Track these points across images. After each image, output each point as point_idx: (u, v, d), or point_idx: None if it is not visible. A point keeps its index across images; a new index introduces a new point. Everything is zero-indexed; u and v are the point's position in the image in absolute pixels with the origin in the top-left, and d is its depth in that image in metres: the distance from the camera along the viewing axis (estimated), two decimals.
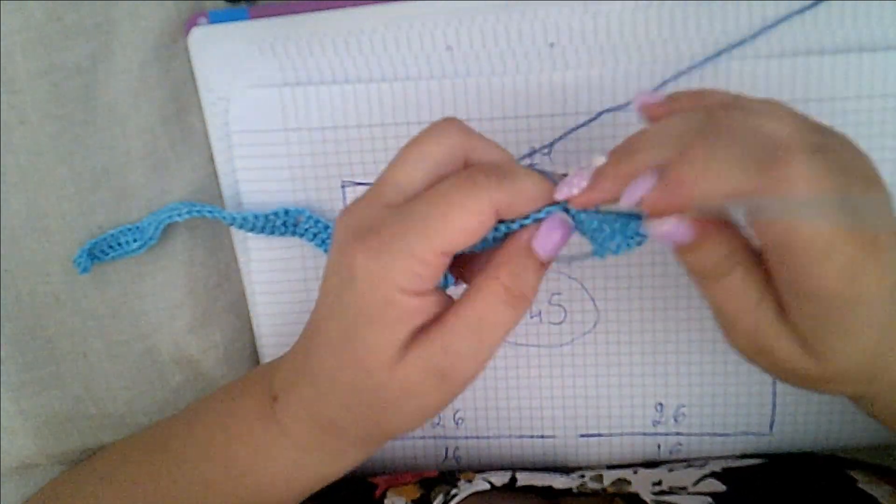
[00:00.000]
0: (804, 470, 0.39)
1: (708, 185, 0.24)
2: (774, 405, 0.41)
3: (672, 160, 0.25)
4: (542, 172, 0.29)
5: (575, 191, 0.27)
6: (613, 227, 0.27)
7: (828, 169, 0.24)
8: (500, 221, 0.28)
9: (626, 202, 0.26)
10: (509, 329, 0.29)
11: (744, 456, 0.42)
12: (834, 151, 0.25)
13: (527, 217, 0.28)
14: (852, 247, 0.24)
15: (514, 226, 0.28)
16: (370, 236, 0.27)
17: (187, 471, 0.35)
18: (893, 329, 0.26)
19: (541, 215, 0.28)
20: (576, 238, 0.29)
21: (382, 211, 0.28)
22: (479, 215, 0.27)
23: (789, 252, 0.24)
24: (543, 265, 0.28)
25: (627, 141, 0.28)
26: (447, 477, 0.40)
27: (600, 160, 0.28)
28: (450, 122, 0.29)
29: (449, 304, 0.29)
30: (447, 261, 0.28)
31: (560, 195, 0.28)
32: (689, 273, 0.28)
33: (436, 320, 0.28)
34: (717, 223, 0.26)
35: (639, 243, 0.28)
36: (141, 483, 0.36)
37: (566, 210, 0.28)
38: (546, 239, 0.28)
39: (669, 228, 0.26)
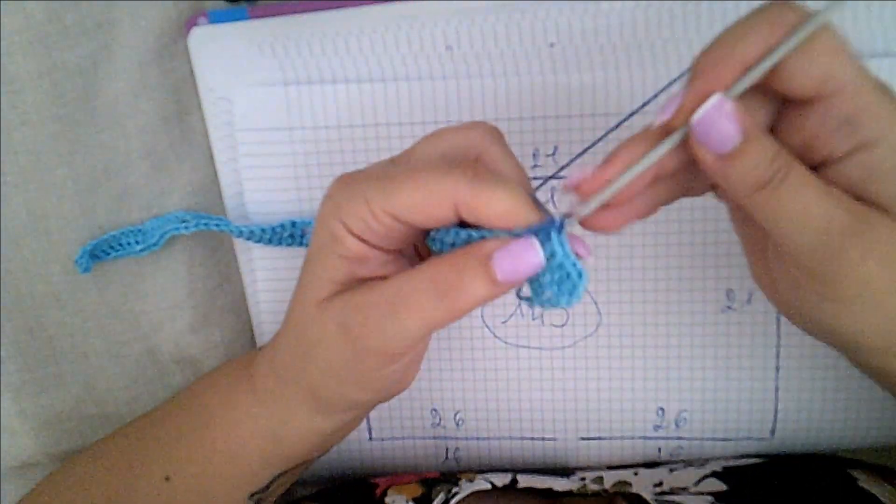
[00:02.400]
0: (805, 469, 0.39)
1: (738, 50, 0.25)
2: (776, 410, 0.41)
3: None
4: (535, 200, 0.27)
5: (588, 171, 0.26)
6: (554, 278, 0.26)
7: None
8: (470, 227, 0.27)
9: (663, 117, 0.26)
10: (427, 320, 0.27)
11: (744, 455, 0.42)
12: None
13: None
14: (874, 76, 0.26)
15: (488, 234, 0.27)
16: (353, 174, 0.29)
17: (167, 424, 0.36)
18: None
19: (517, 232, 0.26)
20: None
21: (381, 167, 0.29)
22: (434, 199, 0.26)
23: (834, 89, 0.25)
24: (494, 283, 0.26)
25: None
26: (448, 477, 0.40)
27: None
28: (482, 123, 0.30)
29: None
30: (402, 230, 0.27)
31: (572, 180, 0.27)
32: (746, 199, 0.26)
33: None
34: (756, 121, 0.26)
35: (567, 303, 0.26)
36: (126, 448, 0.36)
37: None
38: (509, 258, 0.26)
39: (715, 104, 0.25)
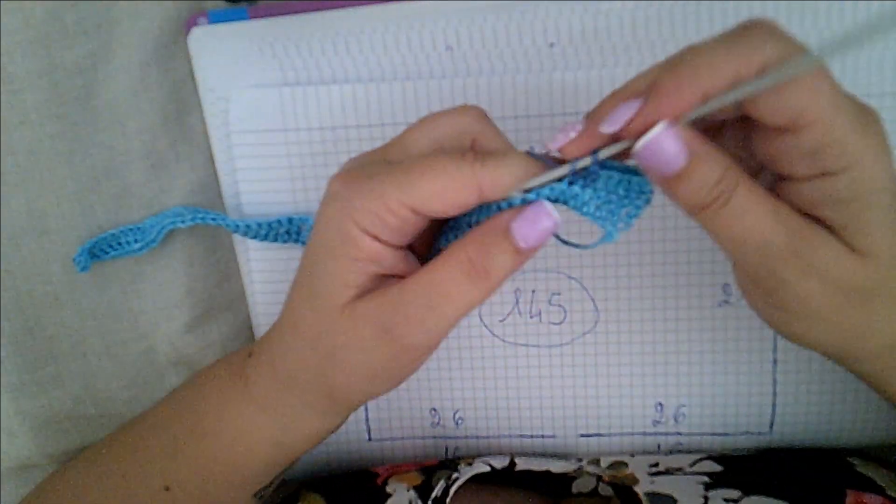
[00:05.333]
0: (802, 454, 0.40)
1: (703, 78, 0.24)
2: (774, 405, 0.41)
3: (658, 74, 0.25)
4: (538, 156, 0.28)
5: (572, 134, 0.26)
6: (616, 195, 0.27)
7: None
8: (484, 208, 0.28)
9: (610, 127, 0.25)
10: (465, 305, 0.28)
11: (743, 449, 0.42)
12: None
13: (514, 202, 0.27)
14: (856, 101, 0.25)
15: (502, 206, 0.28)
16: (354, 170, 0.28)
17: (161, 434, 0.35)
18: None
19: (530, 196, 0.27)
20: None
21: (378, 160, 0.29)
22: (458, 184, 0.26)
23: (804, 122, 0.24)
24: (519, 252, 0.27)
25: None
26: (447, 463, 0.40)
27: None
28: (471, 107, 0.29)
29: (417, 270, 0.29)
30: (415, 222, 0.27)
31: (555, 144, 0.27)
32: (690, 215, 0.26)
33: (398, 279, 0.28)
34: (705, 142, 0.25)
35: (647, 201, 0.27)
36: (120, 457, 0.36)
37: (559, 198, 0.27)
38: (526, 225, 0.27)
39: (657, 136, 0.25)
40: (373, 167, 0.28)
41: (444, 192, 0.26)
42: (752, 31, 0.24)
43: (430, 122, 0.29)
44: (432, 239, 0.31)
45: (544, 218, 0.27)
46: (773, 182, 0.28)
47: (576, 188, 0.27)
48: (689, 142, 0.25)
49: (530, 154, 0.28)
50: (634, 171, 0.27)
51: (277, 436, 0.33)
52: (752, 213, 0.26)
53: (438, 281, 0.27)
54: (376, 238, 0.27)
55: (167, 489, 0.34)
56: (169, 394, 0.38)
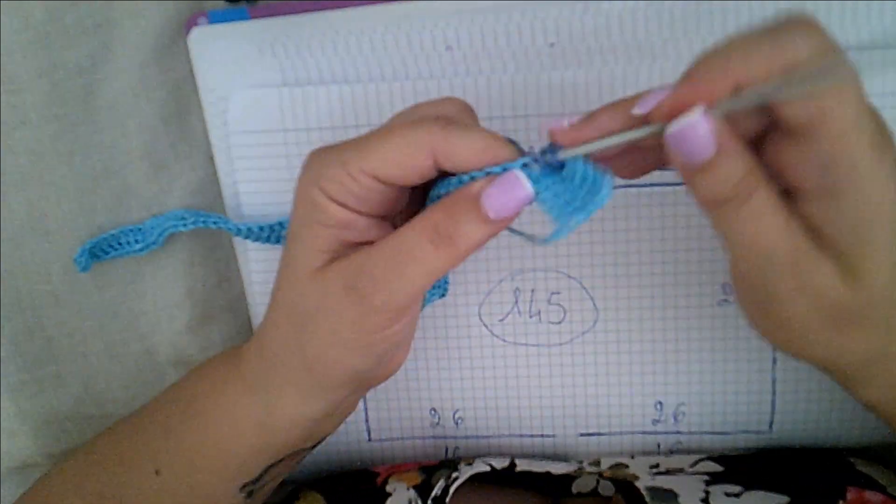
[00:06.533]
0: (802, 454, 0.40)
1: (736, 68, 0.24)
2: (774, 403, 0.41)
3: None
4: (509, 140, 0.28)
5: (565, 123, 0.26)
6: (577, 193, 0.26)
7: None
8: (450, 175, 0.28)
9: (641, 110, 0.25)
10: (429, 270, 0.28)
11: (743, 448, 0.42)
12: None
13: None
14: (878, 120, 0.24)
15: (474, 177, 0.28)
16: (327, 146, 0.29)
17: (157, 417, 0.35)
18: None
19: (498, 169, 0.27)
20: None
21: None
22: (414, 150, 0.27)
23: (823, 127, 0.24)
24: (487, 222, 0.27)
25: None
26: (448, 463, 0.40)
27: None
28: (457, 99, 0.30)
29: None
30: (382, 191, 0.28)
31: (550, 126, 0.27)
32: (706, 208, 0.26)
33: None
34: (734, 137, 0.25)
35: (601, 203, 0.26)
36: (118, 442, 0.36)
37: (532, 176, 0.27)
38: (496, 194, 0.27)
39: (692, 121, 0.24)
40: (344, 141, 0.29)
41: (401, 159, 0.27)
42: (790, 26, 0.24)
43: (413, 107, 0.30)
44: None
45: (517, 188, 0.26)
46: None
47: (537, 167, 0.27)
48: (720, 134, 0.25)
49: (501, 135, 0.28)
50: (601, 171, 0.26)
51: (262, 417, 0.33)
52: (766, 218, 0.25)
53: (404, 244, 0.28)
54: (344, 205, 0.28)
55: (157, 473, 0.34)
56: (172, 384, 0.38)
